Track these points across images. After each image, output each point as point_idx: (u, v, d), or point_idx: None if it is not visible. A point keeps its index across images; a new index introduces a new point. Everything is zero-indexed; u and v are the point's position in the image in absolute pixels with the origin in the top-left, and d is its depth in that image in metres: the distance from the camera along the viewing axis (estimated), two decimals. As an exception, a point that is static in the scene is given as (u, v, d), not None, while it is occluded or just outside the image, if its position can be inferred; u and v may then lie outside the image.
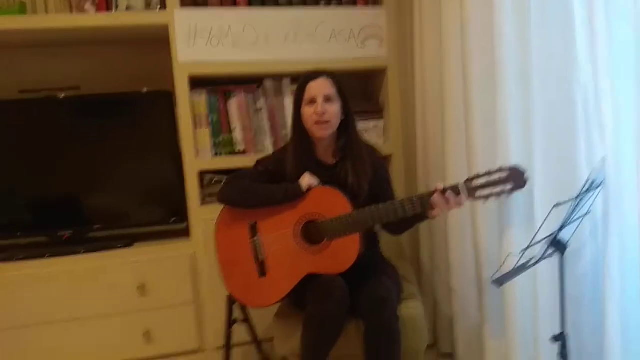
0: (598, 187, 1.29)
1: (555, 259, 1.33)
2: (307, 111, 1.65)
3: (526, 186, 1.46)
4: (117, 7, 2.06)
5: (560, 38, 1.39)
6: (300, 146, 1.71)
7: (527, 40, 1.46)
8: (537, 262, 1.35)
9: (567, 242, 1.31)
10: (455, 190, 1.52)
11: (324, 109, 1.62)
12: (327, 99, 1.64)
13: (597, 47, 1.25)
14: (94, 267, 1.99)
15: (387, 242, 1.93)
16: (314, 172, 1.67)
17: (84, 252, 2.01)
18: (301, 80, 1.69)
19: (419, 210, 1.56)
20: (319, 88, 1.63)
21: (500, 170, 1.48)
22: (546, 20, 1.42)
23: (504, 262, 1.46)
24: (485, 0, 1.59)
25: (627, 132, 1.24)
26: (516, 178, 1.46)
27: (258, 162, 1.81)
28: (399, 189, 2.15)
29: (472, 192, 1.51)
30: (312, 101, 1.64)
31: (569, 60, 1.37)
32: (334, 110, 1.65)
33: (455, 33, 1.78)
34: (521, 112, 1.53)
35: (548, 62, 1.43)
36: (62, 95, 2.07)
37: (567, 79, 1.38)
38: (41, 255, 1.98)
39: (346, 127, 1.70)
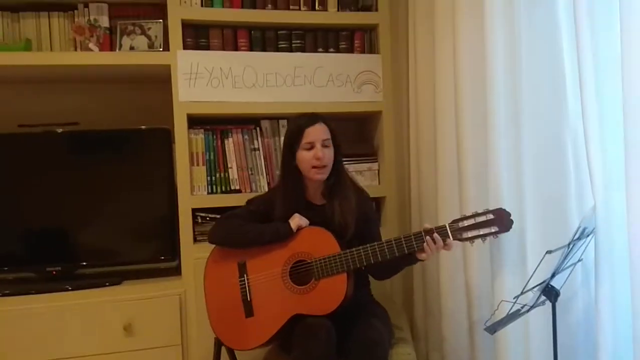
0: (589, 235, 1.30)
1: (547, 306, 1.32)
2: (305, 155, 1.67)
3: (511, 229, 1.48)
4: (120, 46, 2.12)
5: (550, 86, 1.43)
6: (291, 187, 1.72)
7: (518, 86, 1.50)
8: (529, 310, 1.33)
9: (559, 289, 1.30)
10: (442, 231, 1.54)
11: (323, 153, 1.65)
12: (324, 144, 1.67)
13: (585, 95, 1.28)
14: (81, 305, 1.94)
15: (378, 286, 1.91)
16: (303, 213, 1.69)
17: (71, 289, 1.98)
18: (296, 123, 1.72)
19: (407, 251, 1.56)
20: (317, 133, 1.67)
21: (486, 212, 1.50)
22: (536, 67, 1.47)
23: (496, 309, 1.44)
24: (478, 49, 1.64)
25: (616, 181, 1.25)
26: (502, 220, 1.48)
27: (249, 201, 1.82)
28: (392, 231, 2.15)
29: (457, 233, 1.53)
30: (311, 146, 1.66)
31: (558, 108, 1.41)
32: (330, 155, 1.69)
33: (448, 79, 1.83)
34: (512, 158, 1.55)
35: (538, 108, 1.47)
36: (60, 130, 2.09)
37: (557, 125, 1.41)
38: (27, 292, 1.95)
39: (335, 169, 1.73)
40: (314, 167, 1.67)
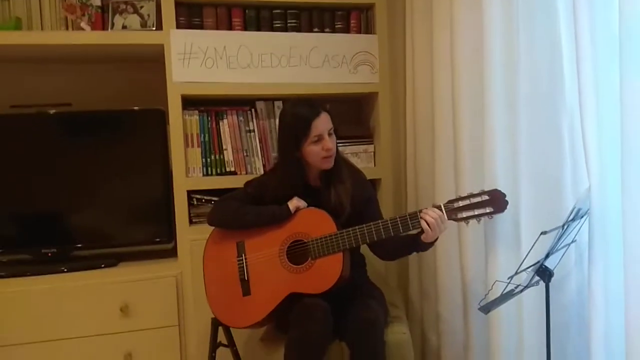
0: (583, 216, 1.31)
1: (541, 287, 1.33)
2: (314, 148, 1.65)
3: (506, 210, 1.49)
4: (112, 25, 2.08)
5: (548, 66, 1.43)
6: (291, 174, 1.71)
7: (516, 68, 1.49)
8: (523, 290, 1.35)
9: (553, 270, 1.31)
10: (437, 208, 1.55)
11: (332, 143, 1.66)
12: (330, 133, 1.67)
13: (582, 77, 1.28)
14: (77, 287, 1.95)
15: (374, 268, 1.93)
16: (302, 196, 1.69)
17: (67, 271, 1.98)
18: (300, 116, 1.64)
19: (402, 231, 1.57)
20: (324, 125, 1.65)
21: (481, 193, 1.52)
22: (534, 49, 1.46)
23: (490, 289, 1.46)
24: (476, 29, 1.63)
25: (611, 162, 1.26)
26: (497, 201, 1.49)
27: (247, 183, 1.82)
28: (388, 213, 2.15)
29: (453, 213, 1.54)
30: (320, 138, 1.65)
31: (555, 88, 1.40)
32: (335, 142, 1.69)
33: (446, 60, 1.82)
34: (508, 140, 1.55)
35: (535, 90, 1.46)
36: (52, 111, 2.07)
37: (554, 107, 1.41)
38: (23, 273, 1.95)
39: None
40: (324, 157, 1.67)
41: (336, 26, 2.22)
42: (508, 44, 1.53)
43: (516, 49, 1.49)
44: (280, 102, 2.18)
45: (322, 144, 1.64)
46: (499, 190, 1.51)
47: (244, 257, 1.71)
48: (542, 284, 1.32)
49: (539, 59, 1.45)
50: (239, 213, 1.72)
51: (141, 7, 2.10)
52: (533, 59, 1.46)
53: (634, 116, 1.11)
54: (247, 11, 2.14)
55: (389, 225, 1.58)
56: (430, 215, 1.53)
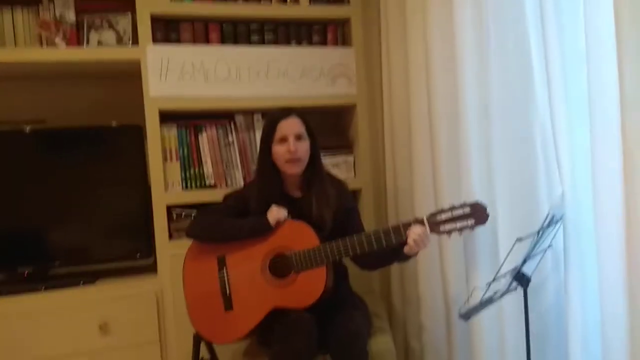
0: (558, 221, 1.34)
1: (519, 292, 1.35)
2: (279, 149, 1.67)
3: (487, 222, 1.50)
4: (88, 42, 2.07)
5: (519, 78, 1.46)
6: (268, 181, 1.72)
7: (488, 79, 1.53)
8: (502, 296, 1.37)
9: (530, 275, 1.34)
10: (420, 223, 1.55)
11: (295, 146, 1.65)
12: (298, 137, 1.67)
13: (553, 87, 1.32)
14: (55, 306, 1.91)
15: (356, 277, 1.93)
16: (280, 205, 1.68)
17: (44, 290, 1.93)
18: (270, 118, 1.72)
19: (385, 245, 1.57)
20: (291, 127, 1.67)
21: (463, 205, 1.52)
22: (505, 60, 1.50)
23: (470, 296, 1.47)
24: (448, 41, 1.67)
25: (583, 169, 1.29)
26: (478, 214, 1.50)
27: (226, 196, 1.81)
28: (369, 223, 2.17)
29: (435, 226, 1.54)
30: (284, 139, 1.66)
31: (527, 98, 1.44)
32: (305, 148, 1.69)
33: (421, 71, 1.86)
34: (483, 149, 1.58)
35: (507, 100, 1.50)
36: (27, 127, 2.03)
37: (526, 116, 1.45)
38: (-1, 294, 1.90)
39: (312, 162, 1.73)
40: (287, 160, 1.67)
41: (313, 40, 2.25)
42: (479, 54, 1.57)
43: (487, 60, 1.53)
44: (260, 114, 2.19)
45: (286, 145, 1.65)
46: (480, 203, 1.51)
47: (225, 272, 1.70)
48: (520, 289, 1.35)
49: (510, 70, 1.49)
50: (218, 227, 1.71)
51: (117, 22, 2.09)
52: (504, 70, 1.50)
53: (603, 123, 1.15)
54: (224, 26, 2.15)
55: (372, 239, 1.58)
56: (416, 232, 1.52)
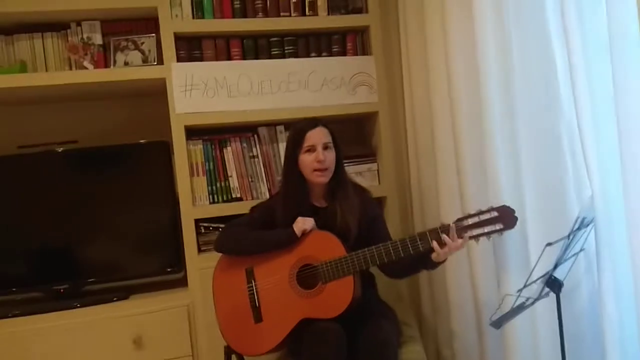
0: (589, 224, 1.31)
1: (552, 298, 1.33)
2: (306, 159, 1.69)
3: (516, 226, 1.48)
4: (114, 63, 2.14)
5: (542, 79, 1.44)
6: (295, 191, 1.74)
7: (511, 81, 1.51)
8: (533, 302, 1.34)
9: (563, 280, 1.31)
10: (446, 229, 1.53)
11: (324, 156, 1.67)
12: (325, 147, 1.69)
13: (577, 86, 1.30)
14: (89, 321, 1.96)
15: (385, 285, 1.92)
16: (306, 216, 1.70)
17: (79, 306, 1.99)
18: (297, 128, 1.74)
19: (412, 252, 1.56)
20: (318, 136, 1.69)
21: (490, 210, 1.50)
22: (527, 61, 1.48)
23: (501, 303, 1.45)
24: (469, 45, 1.66)
25: (612, 169, 1.26)
26: (506, 218, 1.48)
27: (253, 208, 1.84)
28: (394, 230, 2.15)
29: (462, 231, 1.52)
30: (312, 149, 1.68)
31: (551, 99, 1.42)
32: (332, 158, 1.70)
33: (442, 77, 1.85)
34: (509, 152, 1.56)
35: (532, 102, 1.48)
36: (59, 149, 2.11)
37: (551, 119, 1.42)
38: (36, 311, 1.96)
39: (336, 172, 1.74)
40: (315, 170, 1.68)
41: (333, 50, 2.27)
42: (502, 57, 1.55)
43: (510, 62, 1.51)
44: (282, 126, 2.21)
45: (314, 154, 1.66)
46: (508, 207, 1.49)
47: (253, 284, 1.72)
48: (552, 295, 1.32)
49: (533, 71, 1.47)
50: (245, 239, 1.73)
51: (142, 43, 2.16)
52: (527, 72, 1.48)
53: (631, 121, 1.13)
54: (245, 41, 2.19)
55: (399, 246, 1.57)
56: (443, 238, 1.51)
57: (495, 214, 1.49)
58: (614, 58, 1.15)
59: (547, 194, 1.47)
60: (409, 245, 1.56)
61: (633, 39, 1.08)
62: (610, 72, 1.16)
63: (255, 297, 1.70)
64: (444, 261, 1.58)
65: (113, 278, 2.15)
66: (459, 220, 1.54)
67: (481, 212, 1.51)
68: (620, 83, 1.14)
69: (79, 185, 2.13)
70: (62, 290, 2.07)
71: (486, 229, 1.50)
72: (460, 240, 1.51)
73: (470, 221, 1.52)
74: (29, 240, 2.10)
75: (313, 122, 1.72)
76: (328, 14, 2.23)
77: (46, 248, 2.11)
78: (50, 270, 2.11)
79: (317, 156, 1.67)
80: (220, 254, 1.80)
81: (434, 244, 1.52)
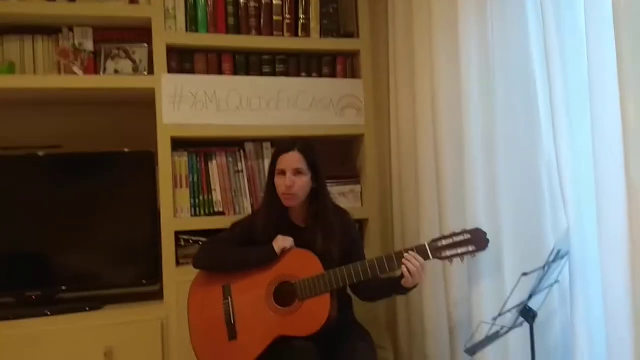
0: (564, 257, 1.34)
1: (526, 328, 1.34)
2: (278, 181, 1.72)
3: (487, 249, 1.53)
4: (105, 70, 2.13)
5: (524, 110, 1.49)
6: (273, 209, 1.75)
7: (493, 112, 1.56)
8: (508, 331, 1.36)
9: (537, 311, 1.33)
10: (421, 249, 1.57)
11: (291, 181, 1.68)
12: (296, 172, 1.69)
13: (557, 121, 1.34)
14: (59, 330, 1.90)
15: (362, 308, 1.92)
16: (286, 234, 1.70)
17: (50, 314, 1.94)
18: (275, 150, 1.77)
19: (388, 270, 1.58)
20: (289, 162, 1.69)
21: (463, 232, 1.56)
22: (510, 93, 1.53)
23: (476, 331, 1.46)
24: (454, 76, 1.71)
25: (587, 204, 1.30)
26: (478, 240, 1.54)
27: (233, 225, 1.83)
28: (375, 252, 2.16)
29: (437, 252, 1.57)
30: (283, 173, 1.70)
31: (532, 132, 1.46)
32: (302, 183, 1.70)
33: (427, 103, 1.89)
34: (489, 181, 1.60)
35: (512, 134, 1.52)
36: (41, 152, 2.08)
37: (531, 151, 1.46)
38: (5, 317, 1.91)
39: (317, 194, 1.75)
40: (283, 193, 1.70)
41: (323, 71, 2.30)
42: (485, 88, 1.60)
43: (492, 95, 1.56)
44: (269, 142, 2.22)
45: (284, 179, 1.68)
46: (480, 229, 1.55)
47: (230, 300, 1.70)
48: (526, 325, 1.34)
49: (515, 104, 1.52)
50: (225, 256, 1.73)
51: (133, 52, 2.17)
52: (510, 104, 1.53)
53: (607, 158, 1.17)
54: (236, 57, 2.21)
55: (375, 264, 1.59)
56: (413, 263, 1.54)
57: (468, 236, 1.55)
58: (593, 97, 1.19)
59: (524, 224, 1.51)
60: (385, 263, 1.59)
61: (611, 81, 1.13)
62: (589, 110, 1.20)
63: (231, 313, 1.69)
64: (413, 287, 1.61)
65: (87, 287, 2.11)
66: (434, 241, 1.59)
67: (455, 234, 1.56)
68: (598, 121, 1.18)
69: (59, 190, 2.10)
70: (34, 297, 2.02)
71: (459, 250, 1.55)
72: (434, 260, 1.55)
73: (445, 242, 1.57)
74: (4, 243, 2.04)
75: (289, 146, 1.72)
76: (320, 37, 2.27)
77: (21, 253, 2.06)
78: (24, 276, 2.06)
79: (285, 181, 1.68)
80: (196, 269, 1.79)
81: (404, 269, 1.55)
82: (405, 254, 1.57)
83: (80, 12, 2.05)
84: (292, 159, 1.69)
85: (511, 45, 1.52)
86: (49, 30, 2.13)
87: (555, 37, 1.33)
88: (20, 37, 2.12)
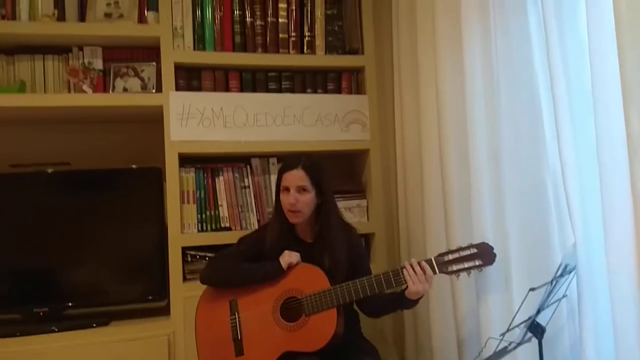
0: (571, 271, 1.33)
1: (534, 343, 1.33)
2: (282, 198, 1.73)
3: (494, 263, 1.52)
4: (114, 88, 2.17)
5: (529, 125, 1.50)
6: (280, 225, 1.76)
7: (498, 126, 1.57)
8: (516, 347, 1.35)
9: (545, 326, 1.32)
10: (428, 263, 1.57)
11: (295, 199, 1.69)
12: (300, 189, 1.70)
13: (562, 135, 1.34)
14: (67, 347, 1.91)
15: (369, 324, 1.91)
16: (293, 249, 1.71)
17: (57, 331, 1.95)
18: (280, 167, 1.78)
19: (395, 285, 1.58)
20: (293, 179, 1.71)
21: (470, 246, 1.55)
22: (515, 108, 1.53)
23: (484, 346, 1.45)
24: (459, 91, 1.72)
25: (594, 219, 1.30)
26: (485, 254, 1.53)
27: (240, 240, 1.84)
28: (381, 267, 2.17)
29: (443, 266, 1.56)
30: (287, 190, 1.71)
31: (537, 145, 1.46)
32: (306, 200, 1.71)
33: (432, 120, 1.90)
34: (495, 194, 1.60)
35: (517, 147, 1.53)
36: (50, 170, 2.11)
37: (536, 164, 1.46)
38: (13, 334, 1.92)
39: (323, 211, 1.75)
40: (287, 210, 1.71)
41: (328, 87, 2.33)
42: (490, 102, 1.61)
43: (497, 108, 1.57)
44: (275, 158, 2.24)
45: (287, 196, 1.69)
46: (487, 243, 1.54)
47: (237, 316, 1.70)
48: (535, 340, 1.32)
49: (520, 118, 1.53)
50: (232, 271, 1.73)
51: (142, 70, 2.20)
52: (515, 118, 1.54)
53: (612, 171, 1.17)
54: (243, 74, 2.24)
55: (382, 279, 1.59)
56: (414, 269, 1.55)
57: (474, 250, 1.54)
58: (597, 107, 1.19)
59: (531, 239, 1.50)
60: (392, 278, 1.58)
61: (614, 91, 1.13)
62: (593, 121, 1.21)
63: (238, 329, 1.69)
64: (418, 300, 1.60)
65: (95, 303, 2.11)
66: (440, 255, 1.58)
67: (461, 249, 1.56)
68: (603, 133, 1.18)
69: (68, 207, 2.12)
70: (41, 314, 2.03)
71: (466, 265, 1.54)
72: (427, 270, 1.54)
73: (451, 257, 1.57)
74: (13, 260, 2.06)
75: (294, 163, 1.72)
76: (325, 54, 2.30)
77: (29, 269, 2.08)
78: (32, 292, 2.07)
79: (288, 199, 1.70)
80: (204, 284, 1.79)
81: (406, 274, 1.54)
82: (406, 263, 1.57)
83: (90, 32, 2.10)
84: (296, 177, 1.71)
85: (515, 58, 1.54)
86: (59, 49, 2.18)
87: (558, 48, 1.34)
88: (31, 57, 2.16)
